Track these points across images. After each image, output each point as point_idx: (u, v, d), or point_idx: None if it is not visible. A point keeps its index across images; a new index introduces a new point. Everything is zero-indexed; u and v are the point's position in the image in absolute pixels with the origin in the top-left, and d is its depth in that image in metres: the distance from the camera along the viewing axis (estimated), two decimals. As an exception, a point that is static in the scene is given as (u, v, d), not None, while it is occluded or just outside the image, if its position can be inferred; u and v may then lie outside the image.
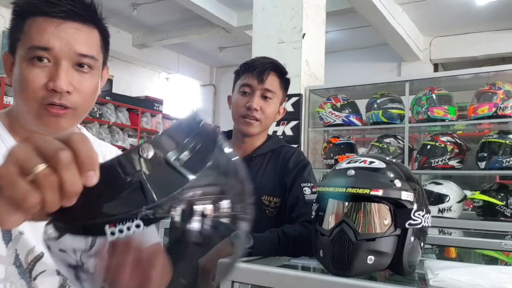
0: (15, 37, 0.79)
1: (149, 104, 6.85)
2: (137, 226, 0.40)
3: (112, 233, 0.39)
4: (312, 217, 1.03)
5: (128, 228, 0.39)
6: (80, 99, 0.79)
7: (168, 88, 7.97)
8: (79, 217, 0.40)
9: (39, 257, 0.77)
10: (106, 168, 0.40)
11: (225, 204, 0.45)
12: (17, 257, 0.75)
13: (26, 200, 0.36)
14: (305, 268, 1.08)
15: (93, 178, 0.39)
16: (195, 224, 0.44)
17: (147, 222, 0.40)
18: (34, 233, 0.77)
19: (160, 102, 7.11)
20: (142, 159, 0.40)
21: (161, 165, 0.41)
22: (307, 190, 1.35)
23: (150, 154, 0.40)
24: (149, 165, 0.40)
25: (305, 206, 1.29)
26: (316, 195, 1.07)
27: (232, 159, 0.48)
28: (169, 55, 7.59)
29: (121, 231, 0.39)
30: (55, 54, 0.76)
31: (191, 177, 0.41)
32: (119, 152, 1.00)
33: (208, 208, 0.44)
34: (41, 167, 0.37)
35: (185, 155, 0.42)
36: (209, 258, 0.94)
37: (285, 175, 1.39)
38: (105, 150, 0.97)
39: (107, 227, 0.39)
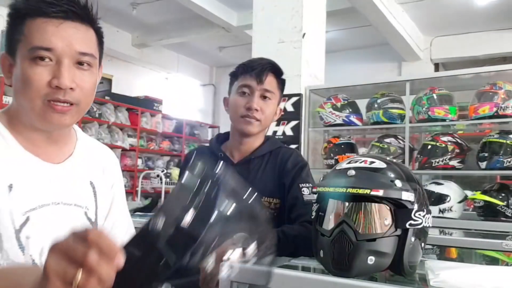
0: (14, 39, 0.82)
1: (149, 104, 6.84)
2: None
3: None
4: (312, 217, 1.03)
5: None
6: (82, 95, 0.83)
7: (168, 88, 7.96)
8: None
9: None
10: (129, 248, 0.50)
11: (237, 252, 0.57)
12: (33, 261, 0.79)
13: None
14: (305, 269, 1.08)
15: (120, 261, 0.49)
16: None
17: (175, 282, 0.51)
18: (38, 235, 0.79)
19: (159, 102, 7.10)
20: (154, 233, 0.49)
21: (173, 230, 0.49)
22: (305, 191, 1.34)
23: (160, 225, 0.49)
24: (162, 235, 0.49)
25: (304, 207, 1.29)
26: (315, 195, 1.07)
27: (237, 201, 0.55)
28: (168, 55, 7.59)
29: None
30: (57, 54, 0.80)
31: (201, 234, 0.49)
32: (114, 157, 1.07)
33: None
34: (79, 274, 0.48)
35: (190, 214, 0.50)
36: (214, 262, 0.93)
37: (283, 176, 1.39)
38: (103, 155, 1.02)
39: None
